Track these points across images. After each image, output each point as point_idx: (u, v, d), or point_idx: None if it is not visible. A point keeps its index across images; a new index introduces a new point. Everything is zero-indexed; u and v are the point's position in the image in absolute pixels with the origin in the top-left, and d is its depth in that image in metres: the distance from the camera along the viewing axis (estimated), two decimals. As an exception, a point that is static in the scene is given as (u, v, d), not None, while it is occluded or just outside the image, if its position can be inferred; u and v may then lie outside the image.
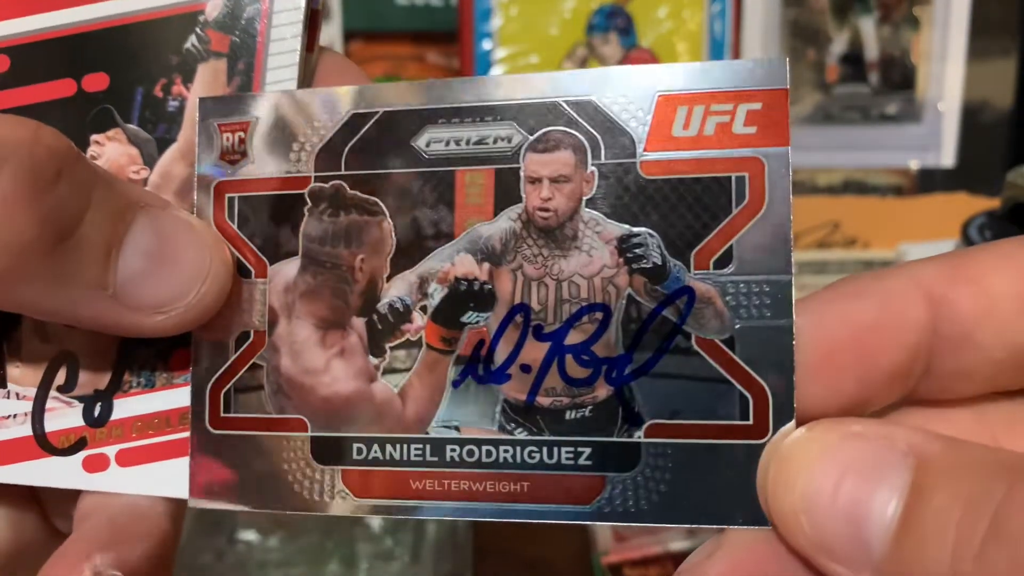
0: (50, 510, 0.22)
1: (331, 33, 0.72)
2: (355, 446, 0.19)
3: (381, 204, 0.19)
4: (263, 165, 0.19)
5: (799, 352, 0.17)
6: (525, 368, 0.18)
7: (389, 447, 0.19)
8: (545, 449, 0.18)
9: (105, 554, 0.18)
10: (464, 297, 0.19)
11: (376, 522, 0.49)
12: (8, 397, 0.20)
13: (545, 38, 0.69)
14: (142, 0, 0.20)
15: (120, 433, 0.20)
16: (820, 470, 0.15)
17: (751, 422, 0.17)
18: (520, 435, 0.18)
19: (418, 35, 0.74)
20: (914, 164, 0.73)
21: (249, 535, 0.47)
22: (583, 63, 0.70)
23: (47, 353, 0.20)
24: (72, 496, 0.21)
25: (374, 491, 0.19)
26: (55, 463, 0.20)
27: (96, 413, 0.20)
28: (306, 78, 0.20)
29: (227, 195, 0.20)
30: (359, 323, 0.19)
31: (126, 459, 0.20)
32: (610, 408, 0.18)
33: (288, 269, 0.19)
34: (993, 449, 0.15)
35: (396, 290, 0.19)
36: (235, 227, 0.20)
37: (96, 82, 0.20)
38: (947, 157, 0.73)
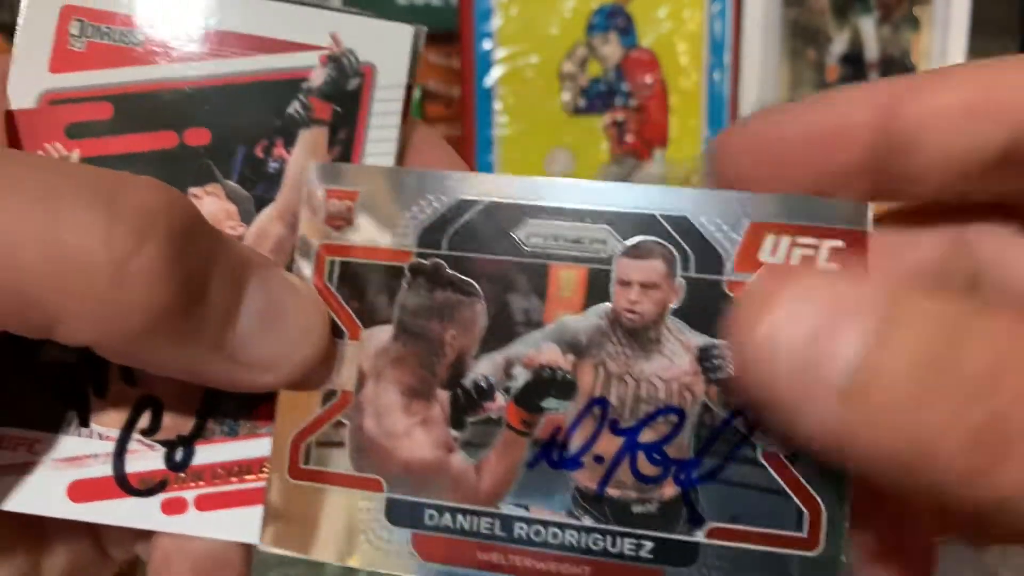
0: (104, 538, 0.23)
1: (331, 33, 0.72)
2: (428, 511, 0.20)
3: (477, 286, 0.20)
4: (366, 234, 0.20)
5: (756, 152, 0.19)
6: (598, 459, 0.20)
7: (460, 517, 0.20)
8: (610, 538, 0.19)
9: None
10: (547, 383, 0.20)
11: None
12: (92, 437, 0.21)
13: (545, 38, 0.69)
14: (248, 63, 0.21)
15: (201, 478, 0.21)
16: (784, 327, 0.16)
17: (805, 534, 0.19)
18: (587, 522, 0.19)
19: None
20: (914, 164, 0.73)
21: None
22: (583, 63, 0.70)
23: (132, 396, 0.21)
24: (130, 529, 0.21)
25: (441, 556, 0.20)
26: (133, 503, 0.21)
27: (178, 458, 0.21)
28: (399, 148, 0.21)
29: (328, 258, 0.20)
30: (443, 395, 0.20)
31: (205, 504, 0.21)
32: (675, 507, 0.19)
33: (381, 335, 0.20)
34: (941, 299, 0.15)
35: (482, 368, 0.20)
36: (333, 289, 0.20)
37: (198, 137, 0.21)
38: (947, 157, 0.73)
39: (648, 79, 0.71)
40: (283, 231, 0.21)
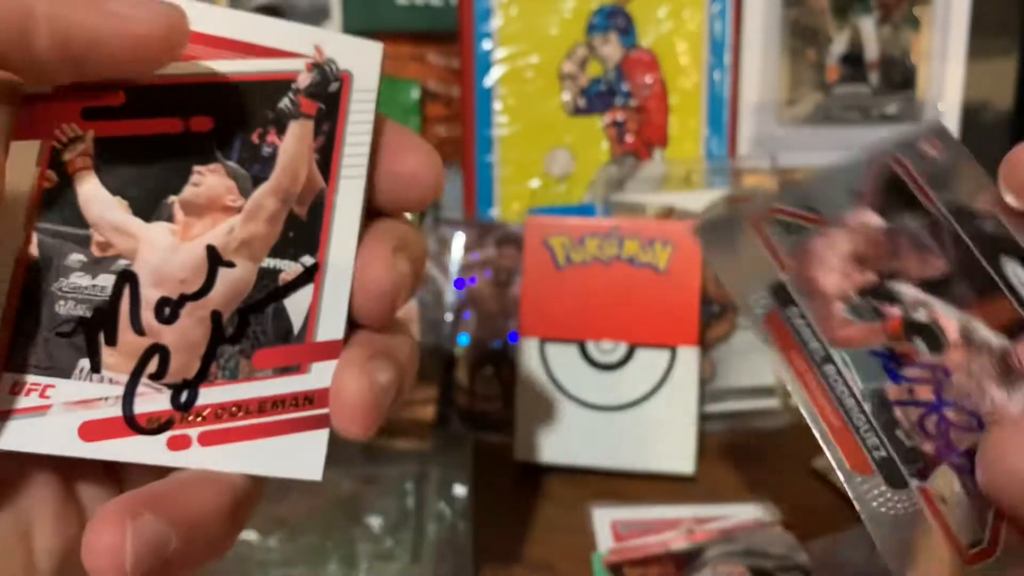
0: (125, 481, 0.24)
1: (331, 33, 0.72)
2: None
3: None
4: None
5: None
6: (911, 392, 0.25)
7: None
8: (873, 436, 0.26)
9: (156, 511, 0.21)
10: (929, 334, 0.26)
11: (376, 522, 0.49)
12: (102, 381, 0.23)
13: (545, 38, 0.69)
14: (246, 64, 0.24)
15: (204, 417, 0.23)
16: None
17: None
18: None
19: (418, 35, 0.74)
20: (914, 164, 0.73)
21: (250, 535, 0.47)
22: (583, 63, 0.70)
23: (141, 345, 0.23)
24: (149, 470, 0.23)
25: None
26: (141, 441, 0.23)
27: (183, 399, 0.23)
28: (373, 140, 0.25)
29: None
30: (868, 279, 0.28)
31: (207, 440, 0.23)
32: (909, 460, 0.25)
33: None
34: None
35: (907, 290, 0.27)
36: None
37: (201, 123, 0.24)
38: (947, 157, 0.73)
39: (648, 79, 0.71)
40: (276, 205, 0.24)
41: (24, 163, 0.23)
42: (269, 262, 0.24)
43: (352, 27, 0.72)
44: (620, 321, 0.56)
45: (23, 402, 0.22)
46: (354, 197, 0.24)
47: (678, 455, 0.55)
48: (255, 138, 0.24)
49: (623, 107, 0.71)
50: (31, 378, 0.22)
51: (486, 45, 0.69)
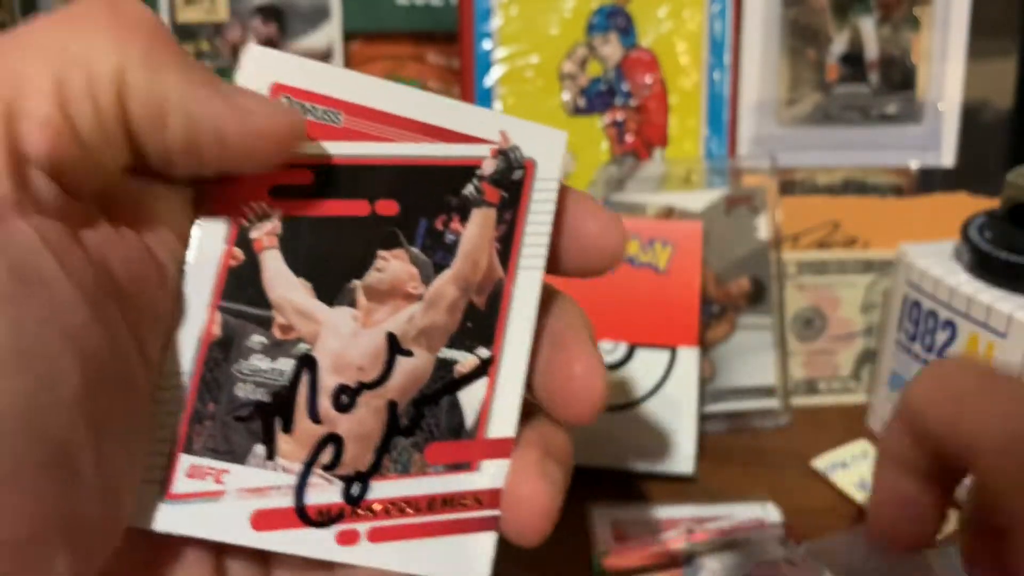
0: (274, 568, 0.24)
1: (330, 33, 0.72)
2: None
3: None
4: None
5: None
6: None
7: None
8: None
9: None
10: None
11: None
12: (276, 469, 0.22)
13: (545, 38, 0.69)
14: (432, 148, 0.24)
15: (374, 512, 0.23)
16: None
17: None
18: None
19: (418, 35, 0.74)
20: (914, 164, 0.73)
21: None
22: (583, 63, 0.70)
23: (317, 433, 0.23)
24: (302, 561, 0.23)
25: None
26: (310, 534, 0.22)
27: (354, 492, 0.23)
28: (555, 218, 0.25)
29: None
30: None
31: (376, 536, 0.23)
32: None
33: None
34: None
35: None
36: None
37: (388, 207, 0.24)
38: (947, 157, 0.73)
39: (648, 79, 0.71)
40: (456, 294, 0.24)
41: (211, 240, 0.22)
42: (446, 352, 0.24)
43: (352, 27, 0.72)
44: (620, 321, 0.56)
45: (199, 486, 0.22)
46: (532, 289, 0.24)
47: (678, 455, 0.55)
48: (439, 224, 0.24)
49: (623, 107, 0.71)
50: (207, 462, 0.22)
51: (486, 45, 0.69)
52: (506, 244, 0.24)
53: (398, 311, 0.23)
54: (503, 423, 0.23)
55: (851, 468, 0.58)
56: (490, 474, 0.23)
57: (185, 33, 0.70)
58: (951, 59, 0.72)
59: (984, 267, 0.52)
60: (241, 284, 0.23)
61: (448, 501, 0.23)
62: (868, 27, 0.73)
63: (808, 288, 0.65)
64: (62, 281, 0.18)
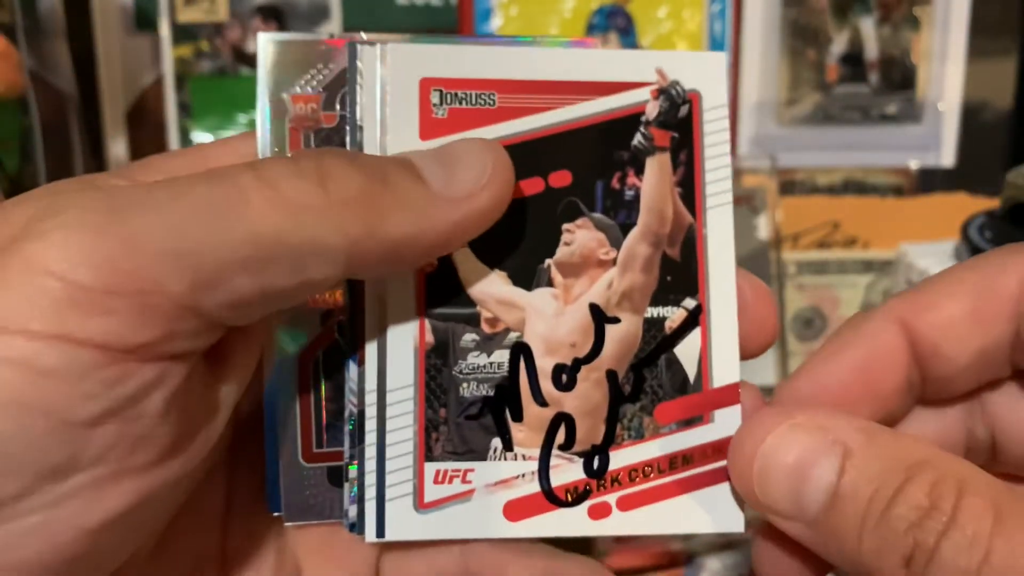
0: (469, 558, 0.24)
1: (330, 33, 0.72)
2: None
3: None
4: None
5: (829, 397, 0.22)
6: None
7: None
8: None
9: None
10: None
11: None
12: (516, 459, 0.23)
13: (545, 38, 0.69)
14: (591, 106, 0.23)
15: (619, 481, 0.23)
16: (776, 453, 0.20)
17: None
18: None
19: (418, 35, 0.74)
20: (914, 164, 0.73)
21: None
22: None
23: (546, 417, 0.23)
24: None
25: None
26: (563, 514, 0.23)
27: (595, 466, 0.23)
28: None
29: None
30: None
31: (625, 504, 0.23)
32: None
33: None
34: (901, 443, 0.20)
35: None
36: None
37: (561, 179, 0.23)
38: (947, 157, 0.73)
39: (648, 79, 0.71)
40: (648, 250, 0.23)
41: None
42: (652, 311, 0.23)
43: (352, 27, 0.73)
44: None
45: (448, 490, 0.22)
46: (725, 226, 0.23)
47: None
48: (615, 183, 0.23)
49: (623, 107, 0.71)
50: (451, 464, 0.22)
51: (486, 45, 0.69)
52: (688, 186, 0.23)
53: (595, 280, 0.23)
54: (725, 370, 0.23)
55: (851, 468, 0.57)
56: (724, 422, 0.23)
57: (185, 33, 0.70)
58: (951, 59, 0.72)
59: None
60: (441, 288, 0.23)
61: (688, 458, 0.23)
62: (868, 27, 0.73)
63: (808, 288, 0.65)
64: (154, 420, 0.18)
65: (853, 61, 0.73)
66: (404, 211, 0.20)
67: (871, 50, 0.73)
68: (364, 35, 0.23)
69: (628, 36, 0.70)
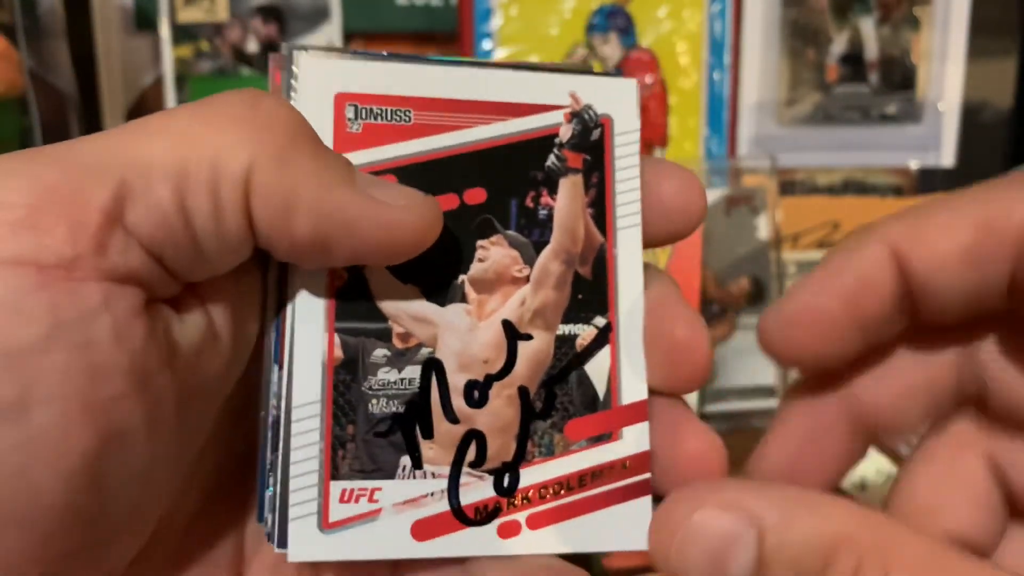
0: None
1: (330, 33, 0.72)
2: None
3: None
4: None
5: (814, 321, 0.22)
6: None
7: None
8: None
9: None
10: None
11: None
12: (425, 477, 0.22)
13: (545, 38, 0.69)
14: (506, 127, 0.23)
15: (528, 499, 0.23)
16: (695, 541, 0.20)
17: None
18: None
19: (418, 35, 0.74)
20: (914, 164, 0.73)
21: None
22: (583, 63, 0.70)
23: (457, 433, 0.23)
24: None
25: None
26: (472, 533, 0.22)
27: (506, 483, 0.23)
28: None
29: None
30: None
31: (536, 522, 0.23)
32: None
33: None
34: (820, 516, 0.19)
35: None
36: None
37: (475, 196, 0.23)
38: (947, 157, 0.73)
39: (648, 79, 0.71)
40: (561, 268, 0.24)
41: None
42: (564, 328, 0.23)
43: (352, 27, 0.73)
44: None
45: (355, 509, 0.22)
46: (634, 246, 0.24)
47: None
48: (529, 202, 0.24)
49: (623, 107, 0.71)
50: (358, 483, 0.22)
51: (486, 45, 0.69)
52: (599, 207, 0.24)
53: (508, 297, 0.23)
54: (634, 387, 0.23)
55: (851, 468, 0.58)
56: (633, 439, 0.23)
57: (185, 33, 0.70)
58: (951, 59, 0.72)
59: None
60: (352, 302, 0.22)
61: (597, 474, 0.23)
62: (868, 27, 0.73)
63: (808, 288, 0.65)
64: (107, 347, 0.18)
65: (853, 61, 0.73)
66: (317, 167, 0.20)
67: (871, 50, 0.73)
68: (304, 46, 0.23)
69: (628, 36, 0.70)
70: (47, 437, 0.17)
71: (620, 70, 0.70)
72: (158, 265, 0.19)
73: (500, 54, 0.69)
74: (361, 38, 0.74)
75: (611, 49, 0.70)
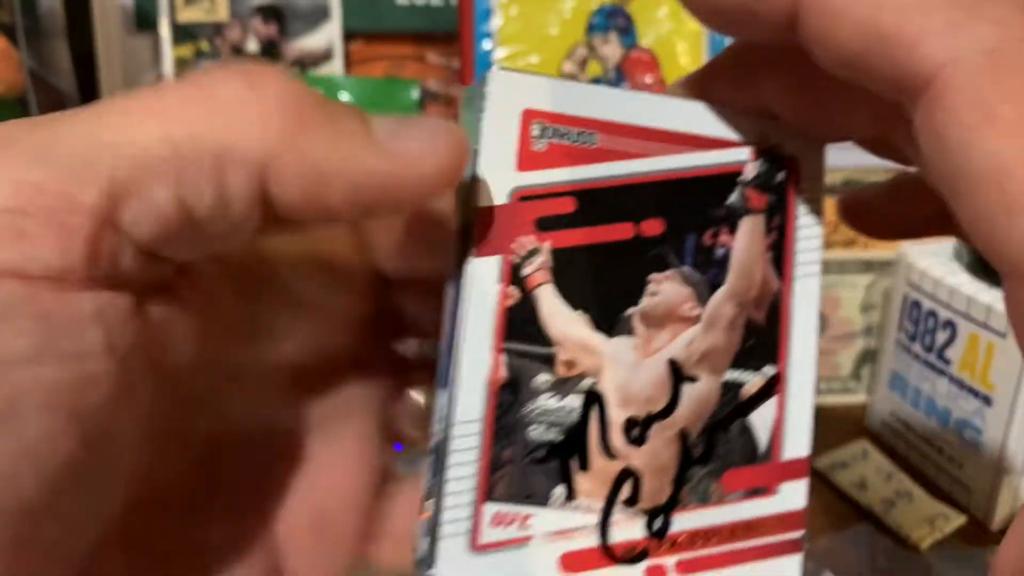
0: None
1: (330, 33, 0.72)
2: None
3: None
4: None
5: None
6: None
7: None
8: None
9: None
10: None
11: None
12: (577, 509, 0.22)
13: (545, 38, 0.69)
14: (691, 159, 0.23)
15: (679, 544, 0.22)
16: None
17: None
18: None
19: (418, 35, 0.74)
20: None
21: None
22: (583, 63, 0.70)
23: (613, 469, 0.22)
24: None
25: None
26: (619, 572, 0.22)
27: (657, 526, 0.22)
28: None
29: None
30: None
31: (684, 568, 0.22)
32: None
33: None
34: None
35: None
36: None
37: (652, 227, 0.22)
38: (947, 157, 0.73)
39: (648, 79, 0.71)
40: (734, 311, 0.23)
41: (485, 281, 0.21)
42: (731, 374, 0.23)
43: (352, 27, 0.73)
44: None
45: (506, 533, 0.21)
46: (811, 298, 0.23)
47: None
48: (707, 239, 0.23)
49: (623, 107, 0.71)
50: (511, 508, 0.21)
51: (486, 45, 0.69)
52: (778, 253, 0.23)
53: (677, 336, 0.23)
54: (797, 443, 0.23)
55: (851, 468, 0.58)
56: (789, 496, 0.23)
57: (185, 33, 0.70)
58: (951, 59, 0.72)
59: (984, 267, 0.52)
60: (521, 323, 0.22)
61: (751, 527, 0.22)
62: (868, 27, 0.72)
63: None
64: (98, 357, 0.17)
65: (853, 61, 0.73)
66: (334, 136, 0.18)
67: (871, 50, 0.73)
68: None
69: (628, 36, 0.70)
70: (34, 445, 0.16)
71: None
72: (152, 260, 0.18)
73: (500, 54, 0.69)
74: (361, 38, 0.74)
75: (611, 49, 0.70)
